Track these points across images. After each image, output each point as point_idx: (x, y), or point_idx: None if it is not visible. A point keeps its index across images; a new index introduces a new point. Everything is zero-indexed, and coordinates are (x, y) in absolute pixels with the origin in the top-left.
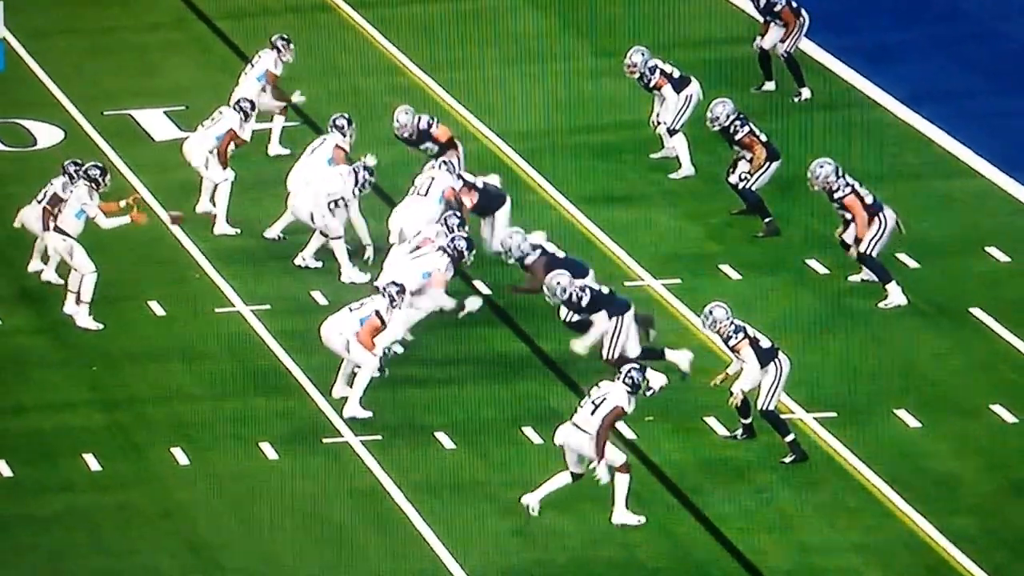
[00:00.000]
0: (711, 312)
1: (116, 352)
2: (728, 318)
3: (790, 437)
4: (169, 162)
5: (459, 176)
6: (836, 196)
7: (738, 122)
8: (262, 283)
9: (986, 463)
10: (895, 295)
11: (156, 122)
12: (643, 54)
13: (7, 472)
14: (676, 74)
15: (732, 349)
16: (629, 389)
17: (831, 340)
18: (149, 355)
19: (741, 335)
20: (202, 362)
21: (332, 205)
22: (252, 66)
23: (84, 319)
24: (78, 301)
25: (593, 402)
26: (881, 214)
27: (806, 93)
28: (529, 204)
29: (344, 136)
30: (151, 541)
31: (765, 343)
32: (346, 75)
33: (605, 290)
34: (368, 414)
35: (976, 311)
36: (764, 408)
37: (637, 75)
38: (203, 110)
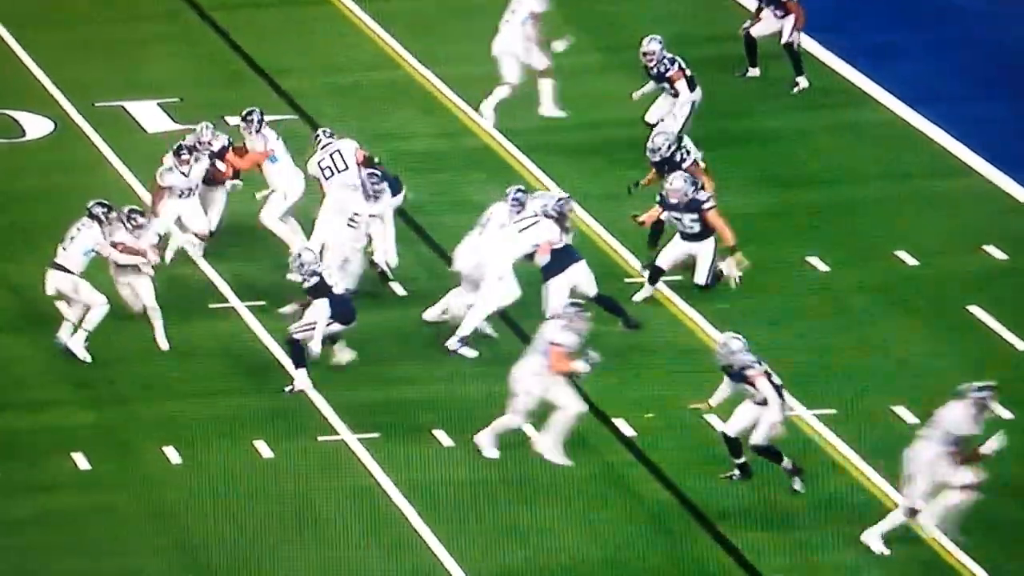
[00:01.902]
0: (727, 343)
1: (105, 348)
2: (744, 349)
3: (786, 463)
4: (162, 154)
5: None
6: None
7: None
8: (258, 278)
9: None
10: None
11: (149, 114)
12: (660, 43)
13: None
14: (688, 72)
15: (747, 381)
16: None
17: (830, 337)
18: (139, 352)
19: (757, 367)
20: (194, 359)
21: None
22: (513, 12)
23: (78, 346)
24: (77, 330)
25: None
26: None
27: (803, 83)
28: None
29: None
30: (140, 542)
31: (775, 379)
32: (343, 69)
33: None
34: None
35: (973, 308)
36: (756, 443)
37: (653, 63)
38: (197, 103)
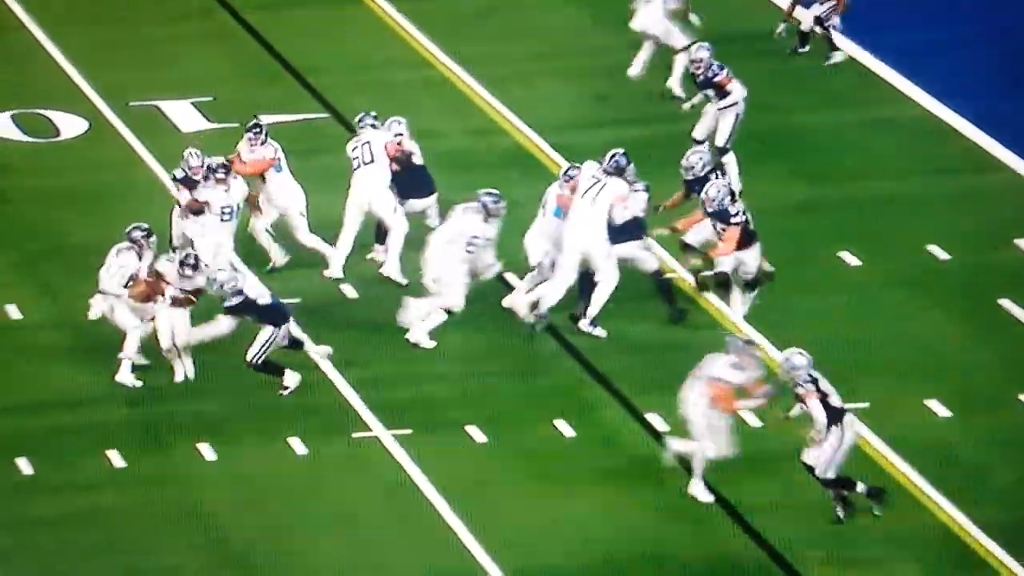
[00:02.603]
0: (789, 358)
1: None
2: (807, 367)
3: (861, 487)
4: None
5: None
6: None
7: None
8: (292, 277)
9: (1016, 453)
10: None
11: (183, 113)
12: (709, 50)
13: (28, 470)
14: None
15: (798, 397)
16: None
17: (862, 332)
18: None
19: (811, 386)
20: (227, 356)
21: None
22: None
23: (124, 375)
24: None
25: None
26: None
27: (839, 56)
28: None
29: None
30: (176, 540)
31: (835, 401)
32: (376, 68)
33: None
34: None
35: (1005, 303)
36: (824, 477)
37: (702, 70)
38: (231, 101)
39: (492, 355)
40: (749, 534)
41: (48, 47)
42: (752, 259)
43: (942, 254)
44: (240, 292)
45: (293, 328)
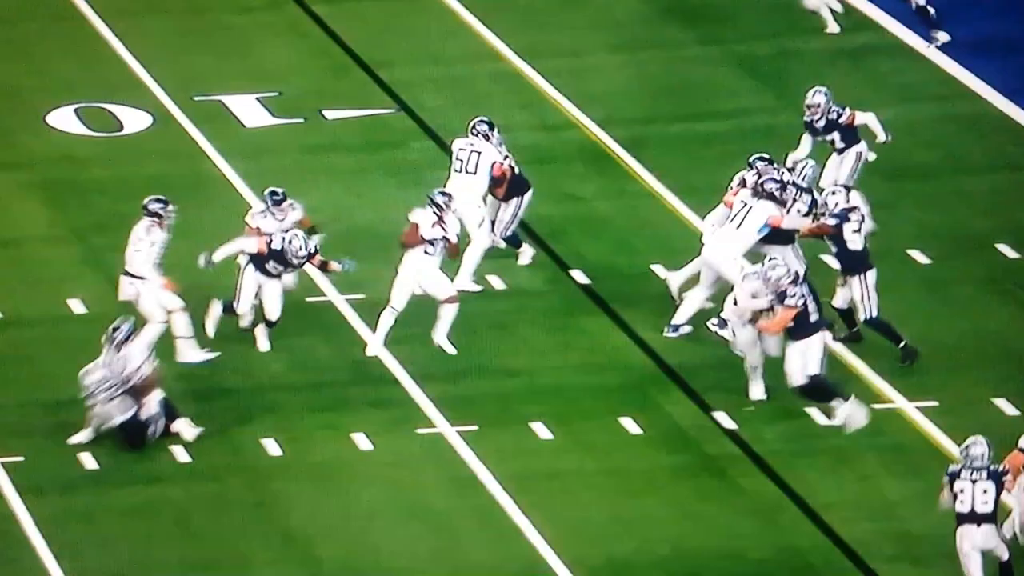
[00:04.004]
0: (969, 447)
1: (208, 341)
2: (985, 455)
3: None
4: (261, 149)
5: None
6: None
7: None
8: (358, 272)
9: None
10: None
11: (248, 108)
12: (827, 94)
13: (92, 464)
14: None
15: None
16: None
17: (932, 328)
18: (238, 342)
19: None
20: (293, 352)
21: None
22: None
23: (191, 354)
24: (181, 339)
25: None
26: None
27: (943, 36)
28: (631, 193)
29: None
30: (244, 531)
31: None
32: (446, 61)
33: None
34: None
35: None
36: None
37: (820, 116)
38: (297, 96)
39: (558, 350)
40: (822, 531)
41: (111, 39)
42: (777, 347)
43: (1011, 252)
44: (103, 390)
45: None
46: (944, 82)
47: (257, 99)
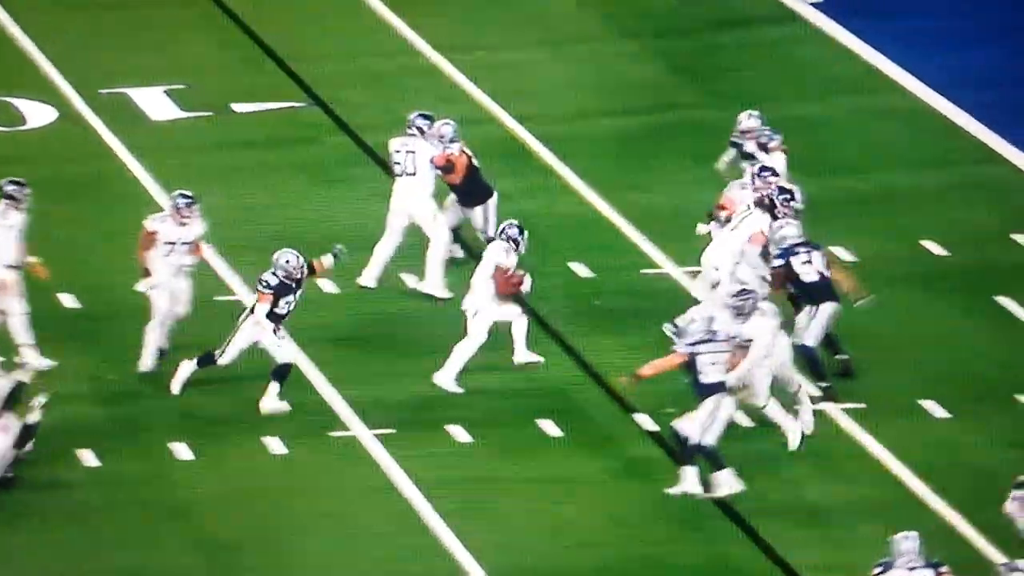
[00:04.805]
0: (898, 544)
1: (116, 343)
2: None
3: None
4: (167, 143)
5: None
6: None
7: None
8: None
9: (1019, 455)
10: None
11: (155, 101)
12: (759, 117)
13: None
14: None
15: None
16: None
17: (858, 329)
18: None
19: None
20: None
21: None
22: None
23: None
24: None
25: None
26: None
27: None
28: (550, 190)
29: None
30: (154, 539)
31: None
32: (363, 56)
33: None
34: None
35: (1003, 299)
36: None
37: (753, 139)
38: (206, 89)
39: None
40: (750, 537)
41: (14, 32)
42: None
43: (940, 250)
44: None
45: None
46: (869, 75)
47: (164, 92)
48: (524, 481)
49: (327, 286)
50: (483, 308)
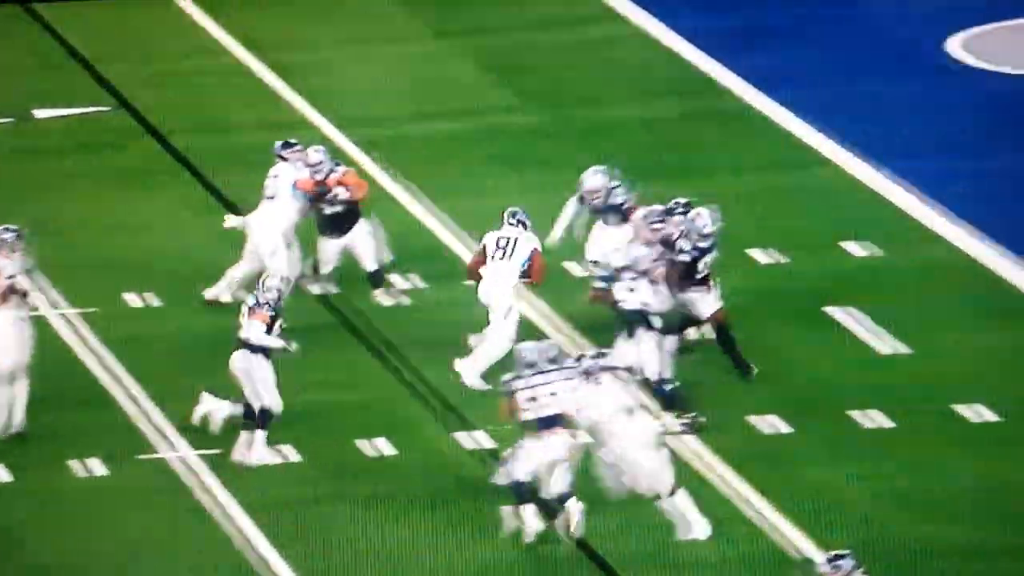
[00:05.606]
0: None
1: None
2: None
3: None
4: None
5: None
6: None
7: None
8: (78, 283)
9: (862, 470)
10: None
11: None
12: (605, 173)
13: None
14: None
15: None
16: None
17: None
18: None
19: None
20: None
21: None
22: None
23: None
24: None
25: None
26: None
27: None
28: (371, 198)
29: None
30: None
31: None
32: (169, 58)
33: None
34: None
35: (831, 310)
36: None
37: (600, 199)
38: (3, 94)
39: (303, 366)
40: (589, 557)
41: None
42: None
43: (763, 258)
44: None
45: None
46: (691, 77)
47: None
48: (356, 501)
49: (133, 300)
50: (513, 305)
